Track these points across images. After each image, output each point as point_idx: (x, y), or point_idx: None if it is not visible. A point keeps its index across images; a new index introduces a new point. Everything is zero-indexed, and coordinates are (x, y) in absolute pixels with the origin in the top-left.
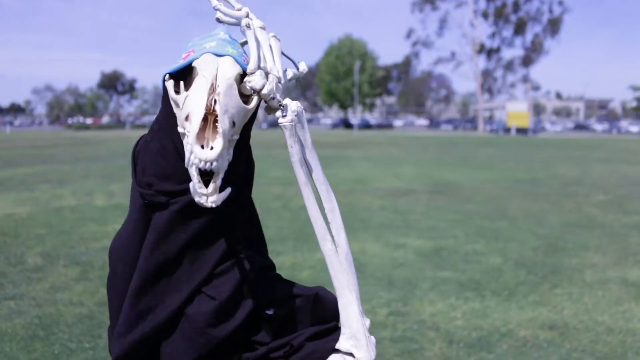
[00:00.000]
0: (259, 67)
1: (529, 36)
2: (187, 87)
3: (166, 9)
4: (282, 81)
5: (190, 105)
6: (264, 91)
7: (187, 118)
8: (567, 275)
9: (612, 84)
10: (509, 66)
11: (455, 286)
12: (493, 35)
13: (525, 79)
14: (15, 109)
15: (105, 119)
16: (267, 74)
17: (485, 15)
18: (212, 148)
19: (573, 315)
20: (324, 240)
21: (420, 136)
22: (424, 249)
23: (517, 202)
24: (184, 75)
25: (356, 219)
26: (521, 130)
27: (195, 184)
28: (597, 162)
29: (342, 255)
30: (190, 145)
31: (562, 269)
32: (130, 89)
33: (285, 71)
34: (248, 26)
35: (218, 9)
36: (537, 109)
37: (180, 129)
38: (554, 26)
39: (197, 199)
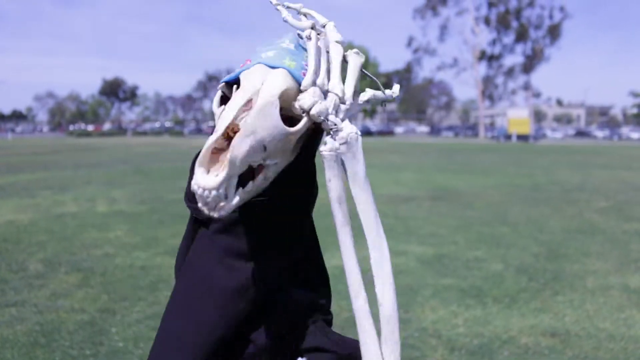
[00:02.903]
0: (314, 84)
1: (530, 43)
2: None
3: (168, 15)
4: (348, 102)
5: (222, 121)
6: (312, 111)
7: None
8: (568, 282)
9: (612, 90)
10: (509, 73)
11: (456, 293)
12: (494, 42)
13: (526, 86)
14: (17, 116)
15: (107, 126)
16: (326, 93)
17: (487, 21)
18: (217, 175)
19: (575, 322)
20: (357, 297)
21: (421, 143)
22: (425, 255)
23: (518, 209)
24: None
25: (356, 226)
26: (522, 137)
27: (199, 207)
28: (598, 169)
29: (383, 319)
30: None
31: (564, 275)
32: (131, 95)
33: (359, 92)
34: (309, 37)
35: (285, 20)
36: (538, 116)
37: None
38: (554, 33)
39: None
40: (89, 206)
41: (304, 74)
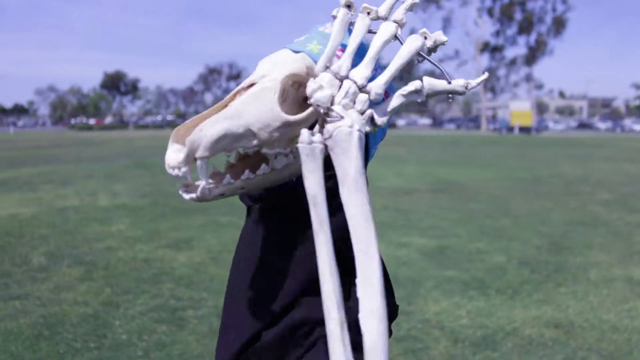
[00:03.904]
0: (326, 68)
1: (533, 35)
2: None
3: (169, 9)
4: (374, 93)
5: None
6: (311, 100)
7: None
8: (571, 274)
9: (615, 82)
10: (512, 65)
11: (459, 285)
12: (497, 34)
13: (529, 78)
14: (19, 110)
15: (108, 120)
16: (342, 79)
17: (490, 12)
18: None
19: (578, 314)
20: (329, 317)
21: (423, 135)
22: (427, 248)
23: (520, 201)
24: None
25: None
26: (524, 129)
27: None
28: (601, 161)
29: (366, 351)
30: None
31: (567, 267)
32: (133, 89)
33: (398, 81)
34: (334, 16)
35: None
36: (540, 108)
37: None
38: (558, 25)
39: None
40: (91, 200)
41: (339, 58)
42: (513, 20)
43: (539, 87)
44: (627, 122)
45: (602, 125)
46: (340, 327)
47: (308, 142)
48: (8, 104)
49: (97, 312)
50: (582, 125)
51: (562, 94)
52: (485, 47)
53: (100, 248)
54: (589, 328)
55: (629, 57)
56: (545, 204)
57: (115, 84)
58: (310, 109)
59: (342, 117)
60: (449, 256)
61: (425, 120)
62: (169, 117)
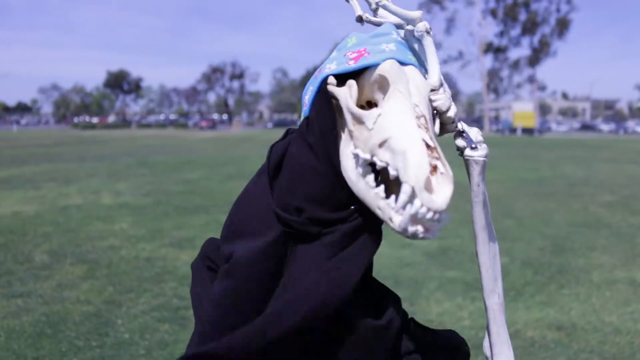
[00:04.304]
0: (441, 83)
1: (537, 36)
2: (358, 97)
3: (172, 8)
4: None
5: (391, 130)
6: (450, 113)
7: (382, 144)
8: (574, 276)
9: (618, 84)
10: (515, 66)
11: (461, 286)
12: (501, 34)
13: (532, 79)
14: (22, 108)
15: (111, 118)
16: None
17: (494, 13)
18: (435, 194)
19: (581, 316)
20: (492, 293)
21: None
22: (430, 248)
23: (523, 202)
24: (347, 79)
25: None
26: (527, 130)
27: (409, 230)
28: (604, 163)
29: (501, 305)
30: (412, 188)
31: (569, 269)
32: (136, 88)
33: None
34: (428, 31)
35: (384, 5)
36: (543, 109)
37: (362, 153)
38: (562, 26)
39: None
40: (93, 198)
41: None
42: (517, 21)
43: (542, 88)
44: (630, 124)
45: (605, 127)
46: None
47: (487, 156)
48: (11, 103)
49: (99, 310)
50: (585, 127)
51: (565, 96)
52: (489, 48)
53: (103, 246)
54: (591, 330)
55: (632, 58)
56: (548, 206)
57: (119, 82)
58: (437, 122)
59: (459, 127)
60: (451, 257)
61: None
62: (172, 116)
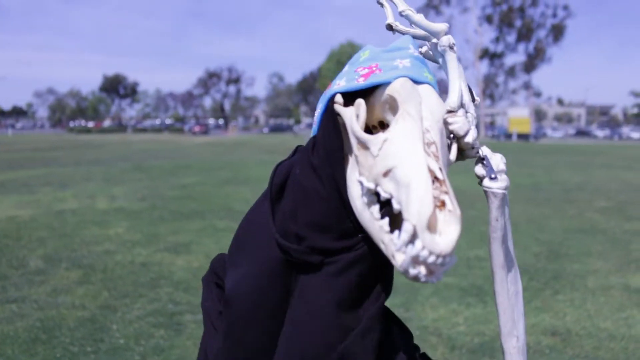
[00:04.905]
0: (461, 105)
1: (532, 42)
2: (369, 117)
3: (169, 11)
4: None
5: (396, 158)
6: (468, 138)
7: (386, 174)
8: (569, 281)
9: (613, 90)
10: (510, 72)
11: (457, 292)
12: (497, 40)
13: (527, 85)
14: (17, 112)
15: (107, 123)
16: (466, 114)
17: (489, 19)
18: (439, 234)
19: (575, 322)
20: (510, 336)
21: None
22: None
23: (518, 208)
24: (357, 97)
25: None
26: (522, 136)
27: (410, 272)
28: (599, 168)
29: (520, 351)
30: (414, 227)
31: (564, 275)
32: (132, 92)
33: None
34: (452, 47)
35: (408, 15)
36: (539, 115)
37: (365, 181)
38: (557, 32)
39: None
40: (89, 203)
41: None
42: (512, 27)
43: (538, 94)
44: (625, 130)
45: (600, 133)
46: (518, 344)
47: (507, 188)
48: (7, 106)
49: (94, 315)
50: (580, 133)
51: (560, 101)
52: (485, 54)
53: (98, 251)
54: (586, 336)
55: (627, 65)
56: (544, 211)
57: (115, 87)
58: (455, 147)
59: (479, 152)
60: None
61: None
62: (168, 121)
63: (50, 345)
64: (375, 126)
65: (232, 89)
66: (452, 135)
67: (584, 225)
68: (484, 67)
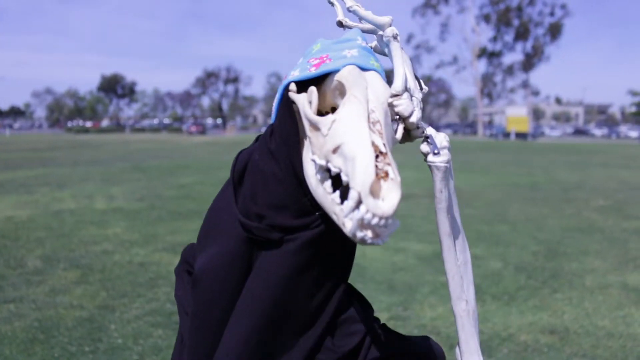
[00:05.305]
0: (405, 89)
1: (530, 41)
2: (322, 103)
3: (167, 11)
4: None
5: (343, 136)
6: (412, 119)
7: (335, 150)
8: (567, 280)
9: (611, 89)
10: (509, 71)
11: None
12: (495, 39)
13: (525, 84)
14: (15, 112)
15: (105, 123)
16: (411, 97)
17: (487, 18)
18: (382, 199)
19: (573, 320)
20: (459, 300)
21: (419, 141)
22: (424, 253)
23: (516, 207)
24: (309, 85)
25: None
26: (521, 135)
27: (357, 235)
28: (597, 167)
29: (470, 314)
30: (359, 194)
31: (563, 273)
32: (130, 92)
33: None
34: (395, 37)
35: (355, 10)
36: (537, 114)
37: (318, 159)
38: (555, 31)
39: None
40: (87, 203)
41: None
42: (510, 26)
43: (536, 93)
44: (623, 129)
45: (598, 132)
46: (468, 307)
47: (449, 162)
48: (4, 106)
49: (92, 315)
50: (578, 132)
51: (558, 100)
52: (483, 53)
53: (97, 251)
54: (584, 334)
55: (624, 64)
56: (542, 210)
57: (113, 87)
58: (401, 128)
59: (425, 132)
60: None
61: None
62: (166, 121)
63: (48, 345)
64: (329, 112)
65: (230, 88)
66: (398, 117)
67: (582, 224)
68: (482, 66)
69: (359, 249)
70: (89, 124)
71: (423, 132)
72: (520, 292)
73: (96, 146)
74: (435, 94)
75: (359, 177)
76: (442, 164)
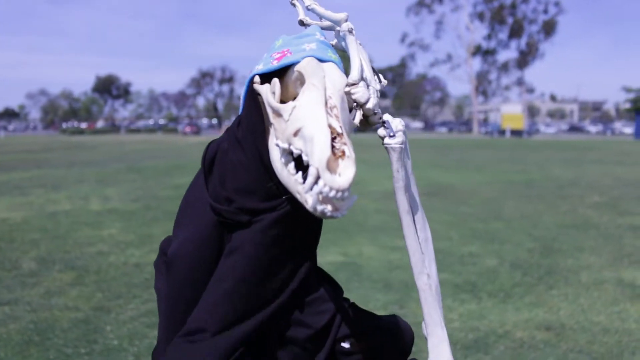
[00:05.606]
0: (361, 78)
1: (524, 38)
2: (285, 94)
3: (161, 12)
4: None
5: (303, 120)
6: (369, 105)
7: (296, 133)
8: (562, 276)
9: (605, 85)
10: (503, 69)
11: (451, 288)
12: (489, 37)
13: (520, 82)
14: (9, 114)
15: (100, 124)
16: (367, 86)
17: (481, 17)
18: (339, 175)
19: (569, 316)
20: (421, 274)
21: (415, 139)
22: None
23: (512, 204)
24: (273, 78)
25: (352, 222)
26: (516, 133)
27: (318, 209)
28: (592, 164)
29: (433, 288)
30: (317, 170)
31: (558, 270)
32: (125, 93)
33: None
34: (350, 31)
35: (313, 9)
36: (532, 111)
37: (281, 143)
38: (549, 28)
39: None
40: (82, 204)
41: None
42: (504, 24)
43: (531, 90)
44: (617, 125)
45: (592, 129)
46: (429, 280)
47: (403, 143)
48: None
49: (88, 317)
50: (573, 129)
51: (553, 98)
52: (477, 51)
53: (92, 252)
54: (580, 330)
55: (619, 60)
56: (537, 207)
57: (107, 87)
58: (359, 113)
59: (382, 118)
60: (441, 259)
61: (417, 124)
62: (161, 121)
63: (43, 347)
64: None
65: (225, 88)
66: (355, 104)
67: (577, 220)
68: (476, 64)
69: (358, 248)
70: (83, 125)
71: (380, 118)
72: (516, 289)
73: (91, 147)
74: (430, 92)
75: (317, 154)
76: (397, 145)
